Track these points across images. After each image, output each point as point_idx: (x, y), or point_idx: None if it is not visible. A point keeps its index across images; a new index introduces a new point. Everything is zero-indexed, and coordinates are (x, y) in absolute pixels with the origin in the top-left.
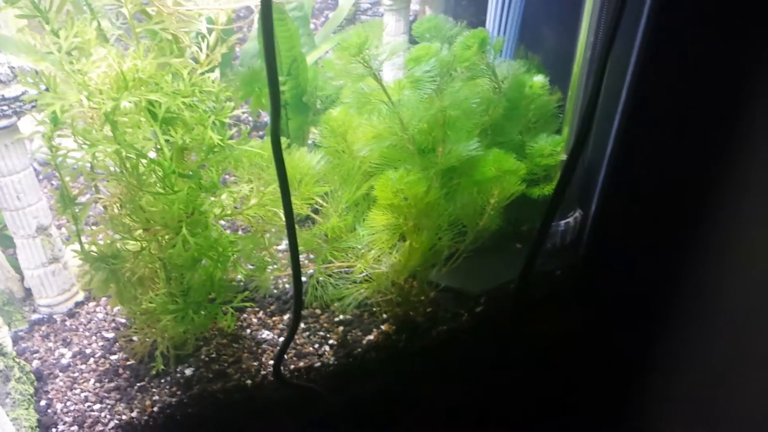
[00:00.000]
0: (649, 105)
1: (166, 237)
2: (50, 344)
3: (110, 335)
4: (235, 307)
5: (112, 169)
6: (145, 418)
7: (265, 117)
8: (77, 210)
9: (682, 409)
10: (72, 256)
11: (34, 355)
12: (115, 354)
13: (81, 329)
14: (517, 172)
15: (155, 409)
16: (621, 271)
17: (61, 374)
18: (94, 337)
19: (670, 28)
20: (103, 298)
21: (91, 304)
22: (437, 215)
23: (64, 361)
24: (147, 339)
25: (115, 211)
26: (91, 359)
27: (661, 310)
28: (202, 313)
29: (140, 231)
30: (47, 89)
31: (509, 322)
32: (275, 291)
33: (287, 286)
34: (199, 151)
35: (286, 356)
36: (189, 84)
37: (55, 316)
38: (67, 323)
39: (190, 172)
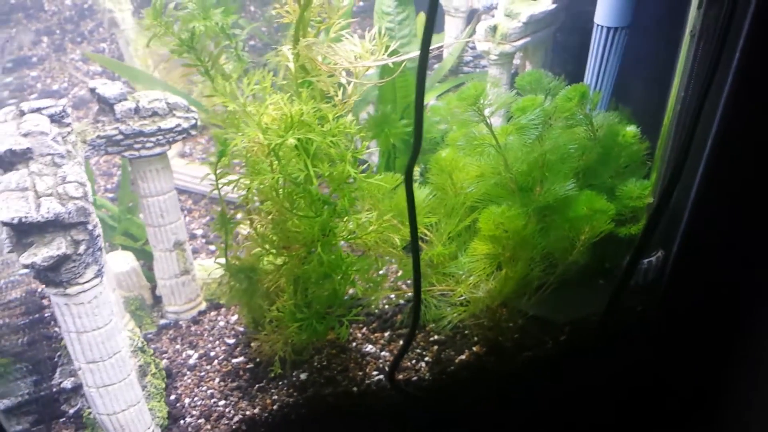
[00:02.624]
0: (733, 151)
1: (303, 254)
2: (177, 346)
3: (231, 341)
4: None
5: (259, 194)
6: (265, 415)
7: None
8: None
9: None
10: (199, 270)
11: (163, 355)
12: (236, 357)
13: (205, 335)
14: (607, 212)
15: (275, 407)
16: (701, 310)
17: (188, 373)
18: (217, 342)
19: (755, 82)
20: (223, 308)
21: (212, 313)
22: (532, 248)
23: (191, 362)
24: (273, 345)
25: (265, 230)
26: (215, 361)
27: (740, 351)
28: (323, 323)
29: (281, 248)
30: (194, 125)
31: (592, 351)
32: (376, 310)
33: (386, 306)
34: (333, 182)
35: (388, 368)
36: (335, 126)
37: (180, 322)
38: (192, 329)
39: (331, 199)
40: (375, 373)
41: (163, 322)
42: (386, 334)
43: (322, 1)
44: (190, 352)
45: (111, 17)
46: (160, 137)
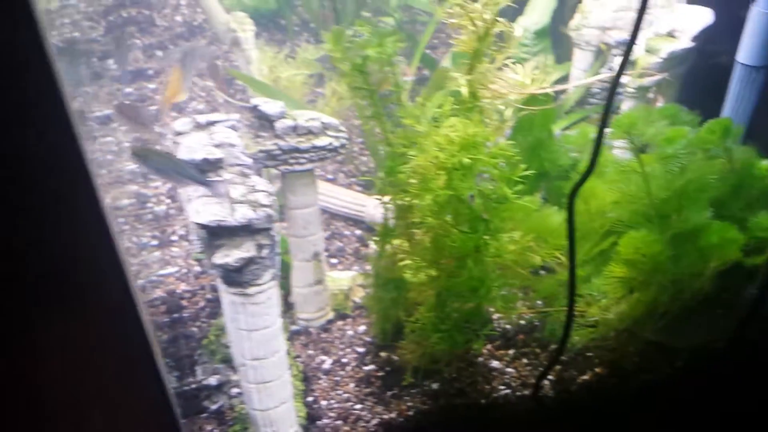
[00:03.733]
0: None
1: (454, 269)
2: (310, 351)
3: (361, 350)
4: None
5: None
6: (401, 420)
7: None
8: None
9: None
10: (330, 281)
11: (297, 359)
12: (367, 365)
13: (336, 342)
14: (737, 242)
15: (410, 413)
16: None
17: (323, 377)
18: (348, 350)
19: None
20: (349, 318)
21: (339, 322)
22: (664, 273)
23: (325, 366)
24: (411, 354)
25: (418, 244)
26: (348, 367)
27: None
28: (463, 335)
29: (432, 262)
30: (343, 144)
31: (712, 378)
32: (499, 329)
33: (508, 326)
34: (486, 200)
35: (513, 384)
36: (497, 149)
37: (310, 329)
38: (322, 336)
39: (485, 217)
40: (501, 387)
41: (294, 328)
42: (510, 351)
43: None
44: (324, 357)
45: (234, 37)
46: (313, 154)
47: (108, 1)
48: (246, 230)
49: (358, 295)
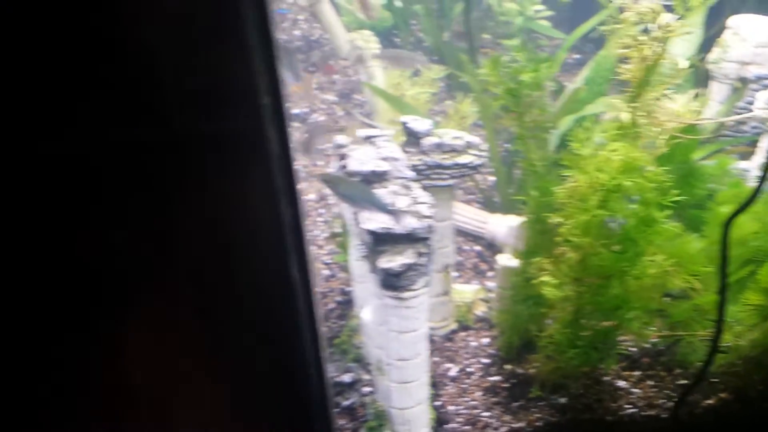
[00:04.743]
0: None
1: (597, 287)
2: (436, 359)
3: (485, 361)
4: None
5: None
6: (530, 430)
7: None
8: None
9: None
10: (454, 293)
11: None
12: (492, 376)
13: (460, 352)
14: None
15: (539, 424)
16: None
17: (450, 384)
18: (472, 360)
19: None
20: (471, 330)
21: (462, 333)
22: None
23: (451, 374)
24: (543, 368)
25: (568, 261)
26: (474, 376)
27: None
28: (597, 352)
29: (575, 280)
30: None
31: None
32: (626, 351)
33: (632, 349)
34: (639, 222)
35: (639, 404)
36: (653, 174)
37: (434, 338)
38: (446, 345)
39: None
40: (627, 406)
41: None
42: (635, 373)
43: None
44: (449, 365)
45: (359, 54)
46: (455, 171)
47: None
48: (408, 239)
49: (480, 309)
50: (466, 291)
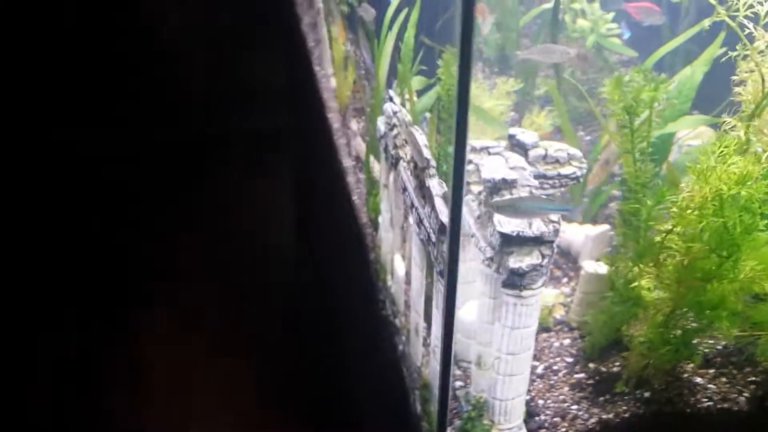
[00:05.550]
0: None
1: (698, 289)
2: None
3: (569, 359)
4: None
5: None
6: (617, 420)
7: None
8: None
9: None
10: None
11: None
12: (577, 373)
13: (545, 350)
14: None
15: (626, 415)
16: None
17: (538, 380)
18: (557, 359)
19: None
20: (552, 332)
21: (543, 334)
22: None
23: (538, 371)
24: (635, 364)
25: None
26: (560, 374)
27: None
28: (688, 350)
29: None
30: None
31: None
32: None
33: (706, 350)
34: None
35: (714, 398)
36: (765, 185)
37: None
38: None
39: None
40: (704, 400)
41: None
42: (710, 371)
43: None
44: (536, 363)
45: None
46: (556, 181)
47: None
48: (535, 241)
49: (558, 313)
50: (547, 295)
